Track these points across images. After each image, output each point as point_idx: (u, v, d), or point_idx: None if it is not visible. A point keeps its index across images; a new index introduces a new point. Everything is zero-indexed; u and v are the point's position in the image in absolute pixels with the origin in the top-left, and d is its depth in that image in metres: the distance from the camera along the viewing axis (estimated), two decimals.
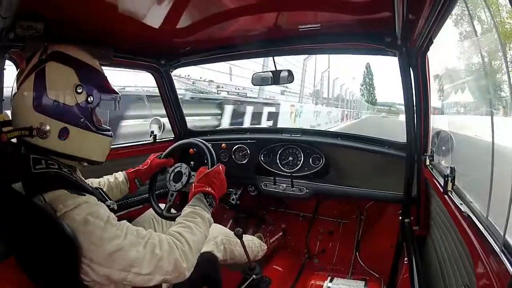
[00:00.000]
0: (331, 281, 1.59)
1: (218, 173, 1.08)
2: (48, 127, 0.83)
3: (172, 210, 1.23)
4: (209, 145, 1.18)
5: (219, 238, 1.38)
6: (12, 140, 0.84)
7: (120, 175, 1.28)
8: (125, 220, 0.83)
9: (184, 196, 1.16)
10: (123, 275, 0.76)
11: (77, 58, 0.89)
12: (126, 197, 1.59)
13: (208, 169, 1.09)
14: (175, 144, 1.34)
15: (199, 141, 1.22)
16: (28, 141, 0.84)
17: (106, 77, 0.96)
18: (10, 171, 0.81)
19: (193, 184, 1.03)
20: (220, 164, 1.12)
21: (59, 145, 0.86)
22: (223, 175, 1.10)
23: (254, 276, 1.34)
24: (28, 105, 0.83)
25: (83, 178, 1.01)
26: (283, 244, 2.03)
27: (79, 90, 0.87)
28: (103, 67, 0.99)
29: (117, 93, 0.98)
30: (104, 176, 1.26)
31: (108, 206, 0.88)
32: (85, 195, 0.80)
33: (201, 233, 0.90)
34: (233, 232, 1.30)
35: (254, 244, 1.66)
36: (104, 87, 0.94)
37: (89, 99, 0.89)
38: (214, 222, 1.00)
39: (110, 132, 0.99)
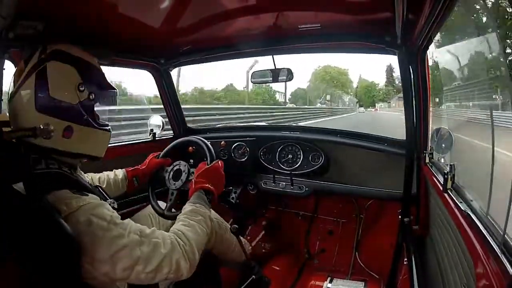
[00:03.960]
0: (330, 281, 1.59)
1: (217, 169, 1.10)
2: (52, 127, 0.81)
3: (173, 210, 1.23)
4: (207, 141, 1.19)
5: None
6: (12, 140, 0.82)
7: (120, 173, 1.30)
8: (129, 219, 0.84)
9: (184, 194, 1.16)
10: (126, 273, 0.77)
11: (77, 56, 0.90)
12: (126, 196, 1.60)
13: (208, 164, 1.10)
14: (171, 144, 1.34)
15: (196, 138, 1.23)
16: (29, 141, 0.83)
17: (104, 74, 0.98)
18: (10, 172, 0.80)
19: (192, 180, 1.04)
20: (219, 160, 1.14)
21: (62, 143, 0.86)
22: (222, 171, 1.12)
23: (253, 276, 1.34)
24: (30, 106, 0.82)
25: (83, 177, 1.01)
26: (283, 244, 2.03)
27: (82, 89, 0.88)
28: (102, 66, 0.99)
29: (115, 89, 1.00)
30: (104, 172, 1.27)
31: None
32: (87, 195, 0.80)
33: (203, 232, 0.91)
34: (226, 223, 1.32)
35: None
36: (104, 84, 0.96)
37: (90, 96, 0.90)
38: None
39: (109, 127, 1.00)
